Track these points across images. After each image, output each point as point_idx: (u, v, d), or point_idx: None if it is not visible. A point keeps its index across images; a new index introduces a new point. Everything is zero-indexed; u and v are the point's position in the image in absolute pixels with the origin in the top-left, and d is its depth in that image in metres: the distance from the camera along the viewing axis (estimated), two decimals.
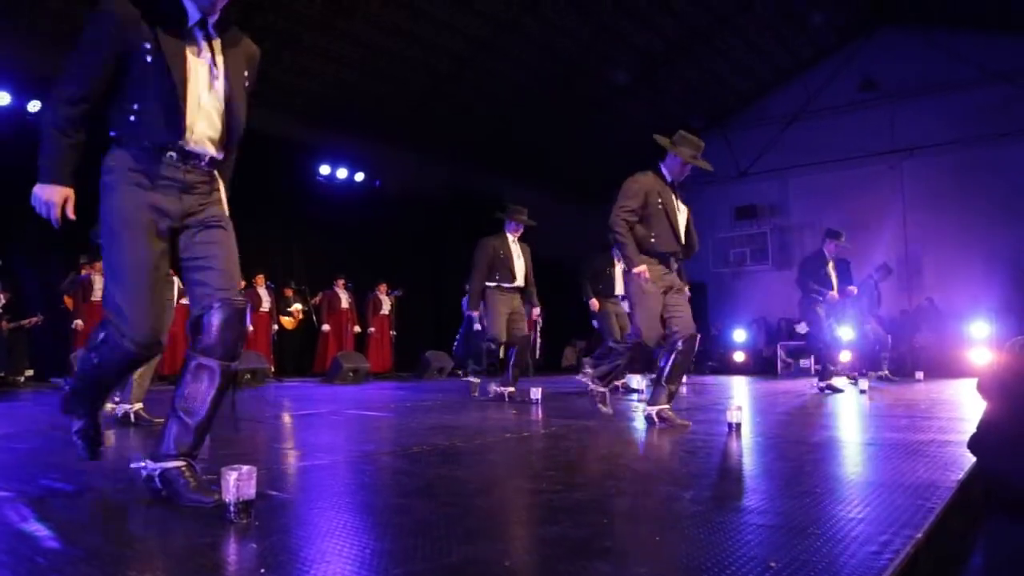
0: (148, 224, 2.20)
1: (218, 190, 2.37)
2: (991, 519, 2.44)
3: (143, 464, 2.21)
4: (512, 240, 6.61)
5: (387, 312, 12.23)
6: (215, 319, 2.20)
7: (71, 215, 2.18)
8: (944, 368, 11.40)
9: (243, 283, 5.49)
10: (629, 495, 2.39)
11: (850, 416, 5.26)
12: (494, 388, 6.53)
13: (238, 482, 1.97)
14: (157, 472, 2.18)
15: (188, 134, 2.22)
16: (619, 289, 7.67)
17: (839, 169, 14.72)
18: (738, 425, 4.02)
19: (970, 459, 2.68)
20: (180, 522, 2.00)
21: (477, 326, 12.93)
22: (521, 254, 6.65)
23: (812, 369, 12.94)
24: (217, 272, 2.25)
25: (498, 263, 6.50)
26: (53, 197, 2.15)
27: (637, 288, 4.35)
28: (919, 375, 9.79)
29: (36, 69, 9.48)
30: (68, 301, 9.25)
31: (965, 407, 5.45)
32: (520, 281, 6.60)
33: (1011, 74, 12.91)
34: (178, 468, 2.16)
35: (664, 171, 4.53)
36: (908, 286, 13.80)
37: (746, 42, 14.05)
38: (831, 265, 7.73)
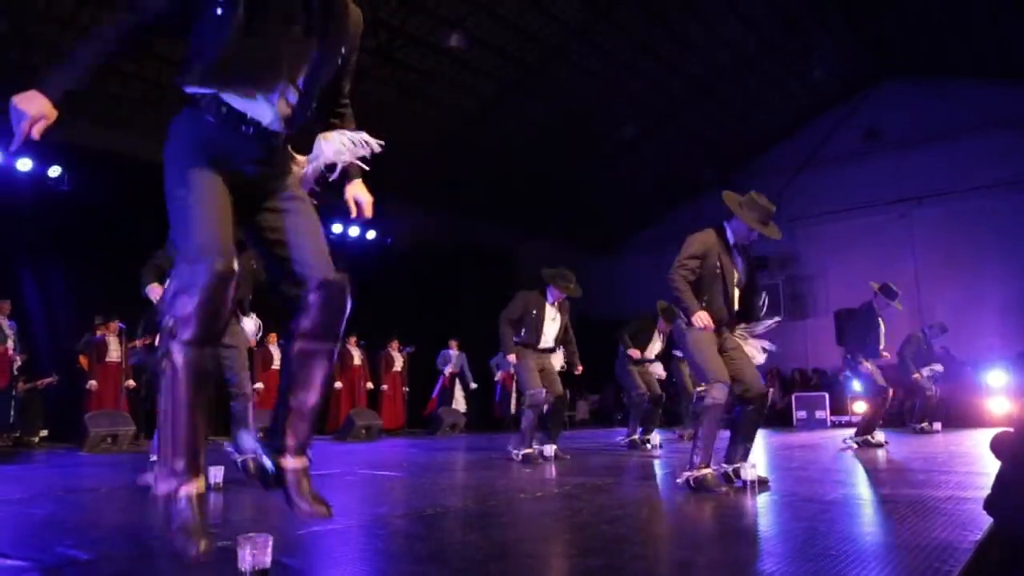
0: (219, 169, 2.05)
1: (292, 172, 2.25)
2: None
3: (253, 449, 2.18)
4: (550, 303, 6.30)
5: (399, 369, 12.25)
6: (316, 298, 2.09)
7: (36, 135, 1.87)
8: (961, 418, 11.26)
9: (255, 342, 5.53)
10: (643, 559, 2.38)
11: (866, 471, 5.21)
12: (530, 449, 6.06)
13: (254, 551, 1.98)
14: (272, 464, 2.14)
15: (270, 113, 2.09)
16: (650, 352, 7.87)
17: (848, 219, 14.81)
18: (753, 483, 3.99)
19: (988, 518, 2.66)
20: None
21: (497, 377, 12.82)
22: (557, 317, 6.34)
23: (828, 420, 12.83)
24: (309, 248, 2.13)
25: (528, 320, 6.22)
26: (29, 108, 1.84)
27: (693, 337, 4.13)
28: (936, 426, 9.66)
29: (56, 136, 9.73)
30: (83, 361, 9.33)
31: (984, 461, 5.38)
32: (549, 343, 6.31)
33: (1016, 121, 13.03)
34: (295, 470, 2.12)
35: (728, 232, 4.34)
36: None
37: (751, 95, 14.29)
38: (882, 325, 7.30)
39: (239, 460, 4.75)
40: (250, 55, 2.01)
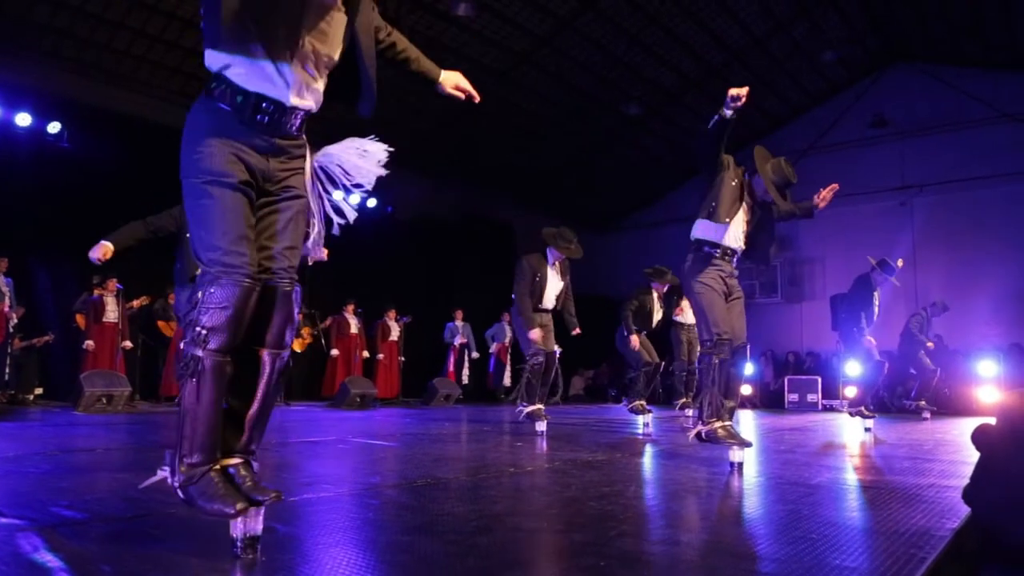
0: (236, 175, 2.05)
1: (304, 157, 2.25)
2: (987, 569, 2.46)
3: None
4: (550, 265, 6.42)
5: (395, 338, 12.31)
6: (266, 305, 2.10)
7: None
8: (951, 406, 11.36)
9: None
10: (628, 536, 2.42)
11: (853, 456, 5.27)
12: (535, 406, 6.25)
13: (245, 518, 2.02)
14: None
15: (287, 89, 2.09)
16: (654, 322, 8.02)
17: (849, 204, 14.72)
18: (740, 464, 4.05)
19: (966, 507, 2.70)
20: (188, 556, 2.05)
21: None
22: (559, 277, 6.48)
23: (819, 404, 12.94)
24: (270, 250, 2.14)
25: (535, 286, 6.36)
26: None
27: (704, 289, 4.30)
28: (926, 413, 9.75)
29: (56, 92, 9.69)
30: (80, 320, 9.36)
31: (968, 450, 5.44)
32: (550, 304, 6.47)
33: (1021, 114, 12.98)
34: (235, 466, 2.12)
35: (753, 184, 4.63)
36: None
37: (758, 78, 14.18)
38: (877, 298, 7.65)
39: None
40: (266, 44, 2.02)
